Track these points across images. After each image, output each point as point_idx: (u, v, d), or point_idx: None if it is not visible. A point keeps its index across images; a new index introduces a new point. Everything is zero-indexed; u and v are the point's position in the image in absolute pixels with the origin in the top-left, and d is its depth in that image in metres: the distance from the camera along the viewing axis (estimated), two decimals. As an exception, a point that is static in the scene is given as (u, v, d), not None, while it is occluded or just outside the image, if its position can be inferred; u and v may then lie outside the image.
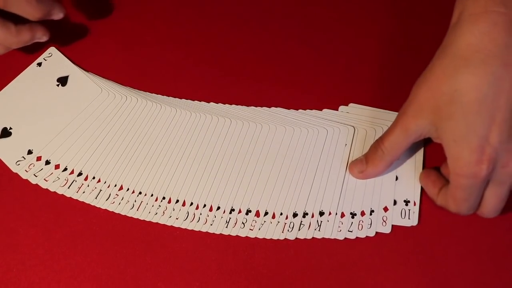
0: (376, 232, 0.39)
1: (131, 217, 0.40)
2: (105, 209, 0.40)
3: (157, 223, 0.40)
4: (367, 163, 0.40)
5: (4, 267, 0.38)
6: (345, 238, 0.39)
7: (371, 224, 0.39)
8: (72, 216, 0.40)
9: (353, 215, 0.40)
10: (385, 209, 0.40)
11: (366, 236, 0.39)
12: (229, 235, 0.39)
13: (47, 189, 0.41)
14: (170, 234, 0.40)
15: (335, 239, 0.39)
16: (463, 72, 0.34)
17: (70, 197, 0.41)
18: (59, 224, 0.40)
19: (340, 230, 0.39)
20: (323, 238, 0.40)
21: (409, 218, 0.40)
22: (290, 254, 0.39)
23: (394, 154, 0.39)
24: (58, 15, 0.43)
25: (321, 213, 0.40)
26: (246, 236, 0.39)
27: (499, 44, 0.33)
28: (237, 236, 0.40)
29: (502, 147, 0.34)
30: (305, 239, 0.39)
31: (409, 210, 0.40)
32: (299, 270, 0.39)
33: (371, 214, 0.40)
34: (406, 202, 0.40)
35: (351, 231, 0.39)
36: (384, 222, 0.39)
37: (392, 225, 0.39)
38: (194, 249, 0.39)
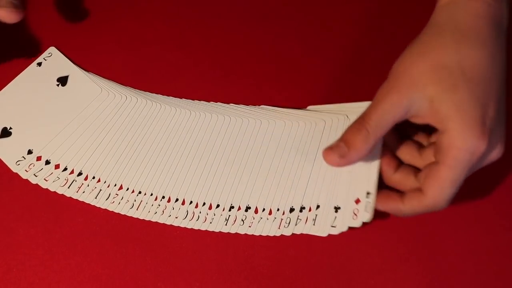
0: (370, 229, 0.39)
1: (131, 217, 0.40)
2: (105, 209, 0.40)
3: (157, 222, 0.40)
4: (348, 146, 0.36)
5: (4, 267, 0.38)
6: (329, 234, 0.38)
7: (344, 218, 0.38)
8: (72, 216, 0.40)
9: (336, 209, 0.39)
10: (357, 201, 0.38)
11: (343, 231, 0.37)
12: (228, 233, 0.40)
13: (47, 189, 0.41)
14: (170, 234, 0.40)
15: (335, 238, 0.39)
16: (465, 47, 0.34)
17: (70, 197, 0.41)
18: (59, 224, 0.40)
19: (324, 225, 0.38)
20: (324, 237, 0.40)
21: (367, 212, 0.36)
22: (290, 254, 0.39)
23: (379, 134, 0.35)
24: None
25: (317, 207, 0.39)
26: (246, 236, 0.39)
27: (492, 33, 0.35)
28: (237, 235, 0.40)
29: (494, 127, 0.34)
30: (305, 238, 0.39)
31: (369, 202, 0.37)
32: (299, 270, 0.39)
33: (344, 208, 0.38)
34: (368, 194, 0.37)
35: (335, 226, 0.38)
36: (355, 216, 0.37)
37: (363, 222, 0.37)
38: (194, 249, 0.39)
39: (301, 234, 0.39)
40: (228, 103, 0.45)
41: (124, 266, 0.39)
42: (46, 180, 0.41)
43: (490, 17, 0.35)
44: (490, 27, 0.35)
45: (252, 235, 0.39)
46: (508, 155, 0.43)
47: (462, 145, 0.33)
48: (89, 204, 0.41)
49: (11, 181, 0.41)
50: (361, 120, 0.36)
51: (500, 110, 0.34)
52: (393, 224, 0.40)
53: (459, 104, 0.33)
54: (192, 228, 0.40)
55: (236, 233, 0.40)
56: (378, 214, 0.41)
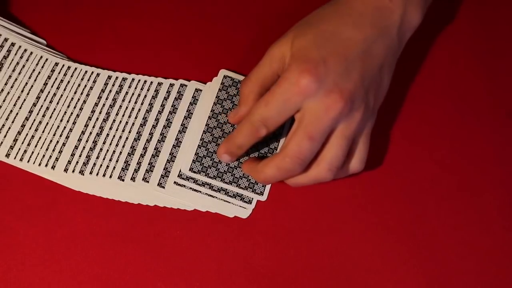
0: (370, 229, 0.39)
1: (131, 217, 0.40)
2: (105, 209, 0.40)
3: (156, 222, 0.40)
4: (239, 105, 0.40)
5: (4, 267, 0.38)
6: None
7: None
8: (72, 216, 0.40)
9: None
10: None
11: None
12: (228, 233, 0.40)
13: (46, 189, 0.41)
14: (170, 234, 0.40)
15: (336, 238, 0.39)
16: (341, 22, 0.38)
17: (70, 197, 0.41)
18: (59, 224, 0.40)
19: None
20: (324, 238, 0.40)
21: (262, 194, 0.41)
22: (289, 254, 0.39)
23: (261, 82, 0.38)
24: None
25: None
26: (246, 236, 0.40)
27: (377, 21, 0.38)
28: (237, 236, 0.40)
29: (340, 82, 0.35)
30: (305, 238, 0.39)
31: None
32: (299, 270, 0.39)
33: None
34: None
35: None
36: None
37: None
38: (194, 249, 0.39)
39: (302, 234, 0.39)
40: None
41: (124, 266, 0.39)
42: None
43: (383, 8, 0.38)
44: (376, 16, 0.38)
45: (251, 233, 0.39)
46: (508, 155, 0.43)
47: (286, 73, 0.36)
48: (89, 204, 0.41)
49: (11, 181, 0.41)
50: (246, 77, 0.39)
51: (368, 83, 0.37)
52: (393, 224, 0.40)
53: (302, 46, 0.36)
54: (192, 228, 0.40)
55: (236, 233, 0.40)
56: (378, 214, 0.41)
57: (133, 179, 0.41)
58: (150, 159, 0.41)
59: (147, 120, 0.43)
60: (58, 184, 0.41)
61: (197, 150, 0.41)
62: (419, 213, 0.41)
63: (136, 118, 0.43)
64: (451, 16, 0.47)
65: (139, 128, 0.43)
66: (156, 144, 0.42)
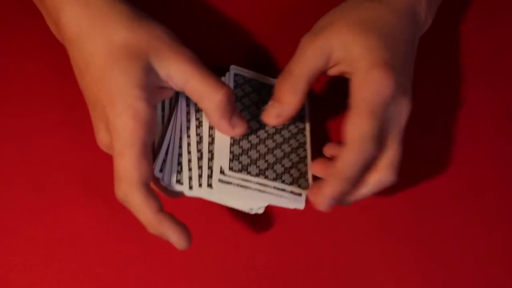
0: (370, 229, 0.39)
1: (131, 217, 0.40)
2: (105, 209, 0.40)
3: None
4: (282, 104, 0.36)
5: (4, 267, 0.38)
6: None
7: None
8: (72, 216, 0.40)
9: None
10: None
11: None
12: (228, 233, 0.40)
13: (46, 188, 0.41)
14: (170, 234, 0.40)
15: (336, 238, 0.39)
16: (380, 9, 0.36)
17: (70, 197, 0.41)
18: (59, 224, 0.40)
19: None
20: (324, 238, 0.40)
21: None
22: (290, 254, 0.39)
23: (305, 82, 0.35)
24: None
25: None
26: (246, 236, 0.40)
27: (407, 7, 0.38)
28: (237, 236, 0.40)
29: (403, 77, 0.35)
30: (305, 239, 0.39)
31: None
32: (299, 270, 0.39)
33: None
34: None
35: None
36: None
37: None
38: (194, 249, 0.39)
39: (302, 234, 0.39)
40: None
41: (124, 266, 0.39)
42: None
43: (414, 7, 0.38)
44: (412, 15, 0.37)
45: (251, 233, 0.39)
46: (508, 155, 0.43)
47: (368, 83, 0.34)
48: (89, 204, 0.41)
49: (11, 181, 0.41)
50: (286, 72, 0.36)
51: (409, 69, 0.37)
52: (393, 224, 0.40)
53: (369, 46, 0.35)
54: (191, 228, 0.40)
55: (237, 234, 0.40)
56: (378, 215, 0.41)
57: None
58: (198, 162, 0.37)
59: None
60: (58, 184, 0.41)
61: (231, 148, 0.37)
62: (419, 213, 0.41)
63: None
64: (451, 16, 0.47)
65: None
66: (197, 145, 0.37)
